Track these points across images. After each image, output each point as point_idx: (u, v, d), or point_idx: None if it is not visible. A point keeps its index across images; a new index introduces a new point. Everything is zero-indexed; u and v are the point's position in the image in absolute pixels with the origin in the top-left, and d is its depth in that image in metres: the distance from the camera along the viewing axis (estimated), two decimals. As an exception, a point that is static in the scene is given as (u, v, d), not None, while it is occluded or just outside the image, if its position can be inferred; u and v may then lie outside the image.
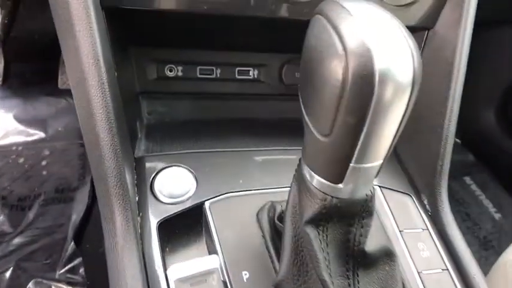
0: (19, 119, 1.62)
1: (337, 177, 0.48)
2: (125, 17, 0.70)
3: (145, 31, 0.85)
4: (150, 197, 0.66)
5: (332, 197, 0.49)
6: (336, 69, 0.40)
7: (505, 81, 1.64)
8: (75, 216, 1.56)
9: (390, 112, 0.41)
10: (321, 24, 0.44)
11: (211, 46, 0.95)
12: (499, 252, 1.84)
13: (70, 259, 1.43)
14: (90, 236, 1.46)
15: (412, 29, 0.76)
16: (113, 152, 0.59)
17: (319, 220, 0.50)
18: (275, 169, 0.74)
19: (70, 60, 0.61)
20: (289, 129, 0.96)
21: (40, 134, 1.61)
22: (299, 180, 0.55)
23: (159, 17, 0.76)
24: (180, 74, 0.96)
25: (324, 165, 0.48)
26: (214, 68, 0.98)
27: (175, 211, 0.65)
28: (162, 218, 0.64)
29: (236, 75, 1.00)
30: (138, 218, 0.64)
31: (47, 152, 1.62)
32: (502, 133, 1.72)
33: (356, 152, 0.44)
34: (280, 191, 0.70)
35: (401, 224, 0.72)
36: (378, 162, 0.47)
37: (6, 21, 1.18)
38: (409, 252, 0.69)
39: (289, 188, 0.72)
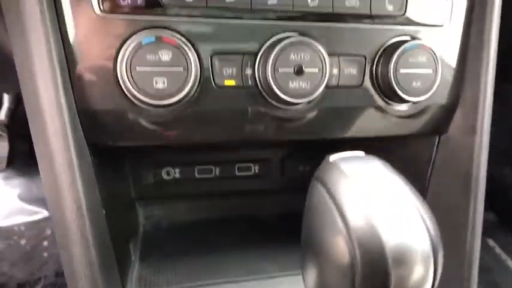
0: (23, 198, 1.60)
1: None
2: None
3: (141, 148, 0.81)
4: None
5: None
6: (342, 251, 0.35)
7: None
8: (76, 303, 1.49)
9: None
10: (320, 194, 0.40)
11: (209, 147, 0.91)
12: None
13: None
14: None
15: (421, 134, 0.72)
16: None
17: None
18: None
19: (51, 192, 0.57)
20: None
21: (43, 213, 1.58)
22: None
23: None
24: (177, 175, 0.92)
25: None
26: (213, 167, 0.94)
27: None
28: None
29: (236, 172, 0.96)
30: None
31: (48, 232, 1.58)
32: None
33: None
34: None
35: None
36: None
37: (12, 107, 1.19)
38: None
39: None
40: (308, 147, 0.96)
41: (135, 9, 0.54)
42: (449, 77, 0.67)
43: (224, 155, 0.94)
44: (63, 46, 0.53)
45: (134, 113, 0.56)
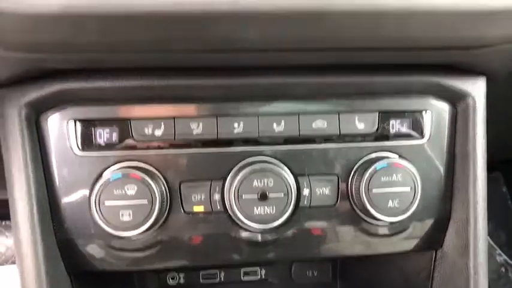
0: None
1: None
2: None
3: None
4: None
5: None
6: None
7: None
8: None
9: None
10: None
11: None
12: None
13: None
14: None
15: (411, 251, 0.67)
16: None
17: None
18: None
19: None
20: None
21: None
22: None
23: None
24: (182, 281, 0.92)
25: None
26: (217, 271, 0.93)
27: None
28: None
29: (242, 277, 0.94)
30: None
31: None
32: None
33: None
34: None
35: None
36: None
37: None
38: None
39: None
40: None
41: (110, 146, 0.59)
42: (435, 192, 0.63)
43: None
44: (46, 182, 0.58)
45: (108, 243, 0.59)
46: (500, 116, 0.67)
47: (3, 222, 1.43)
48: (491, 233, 1.46)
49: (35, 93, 0.56)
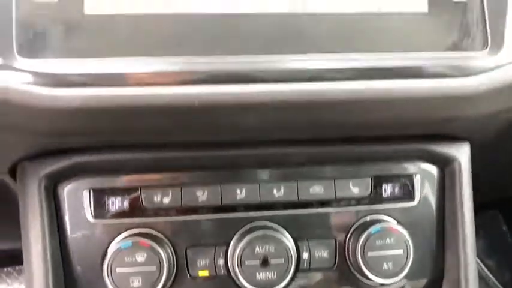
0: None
1: None
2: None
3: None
4: None
5: None
6: None
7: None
8: None
9: None
10: None
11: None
12: None
13: None
14: None
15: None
16: None
17: None
18: None
19: None
20: None
21: None
22: None
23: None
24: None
25: None
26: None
27: None
28: None
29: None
30: None
31: None
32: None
33: None
34: None
35: None
36: None
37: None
38: None
39: None
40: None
41: (121, 213, 0.63)
42: (427, 253, 0.67)
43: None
44: (60, 249, 0.62)
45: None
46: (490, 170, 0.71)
47: (5, 269, 1.45)
48: (494, 272, 1.46)
49: (53, 166, 0.61)
